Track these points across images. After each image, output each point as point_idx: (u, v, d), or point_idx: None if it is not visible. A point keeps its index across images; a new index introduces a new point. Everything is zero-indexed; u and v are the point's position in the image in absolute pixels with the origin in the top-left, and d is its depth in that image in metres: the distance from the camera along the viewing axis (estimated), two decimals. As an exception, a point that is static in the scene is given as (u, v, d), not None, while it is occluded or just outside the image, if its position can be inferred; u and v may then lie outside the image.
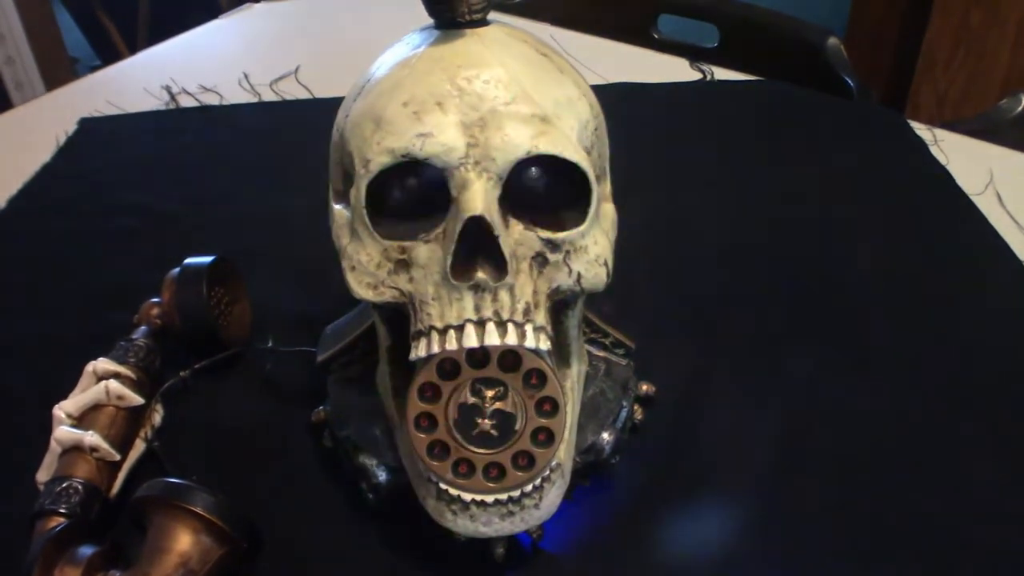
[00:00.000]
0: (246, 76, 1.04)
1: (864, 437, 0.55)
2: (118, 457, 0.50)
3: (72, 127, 0.94)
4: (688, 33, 1.24)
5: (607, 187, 0.46)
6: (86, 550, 0.41)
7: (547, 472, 0.43)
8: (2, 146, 0.93)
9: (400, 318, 0.43)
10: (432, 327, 0.40)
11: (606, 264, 0.42)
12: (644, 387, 0.55)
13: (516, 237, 0.40)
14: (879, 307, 0.65)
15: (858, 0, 2.29)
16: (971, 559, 0.48)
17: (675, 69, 1.05)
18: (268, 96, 1.01)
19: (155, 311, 0.59)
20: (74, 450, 0.48)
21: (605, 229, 0.43)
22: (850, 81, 1.09)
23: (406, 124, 0.40)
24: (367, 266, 0.41)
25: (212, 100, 1.00)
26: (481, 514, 0.42)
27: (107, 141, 0.92)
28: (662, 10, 1.29)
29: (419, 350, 0.40)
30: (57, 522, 0.44)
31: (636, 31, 1.25)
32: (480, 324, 0.39)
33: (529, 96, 0.40)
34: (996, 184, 0.77)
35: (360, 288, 0.42)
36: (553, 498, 0.44)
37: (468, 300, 0.39)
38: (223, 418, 0.57)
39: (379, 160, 0.40)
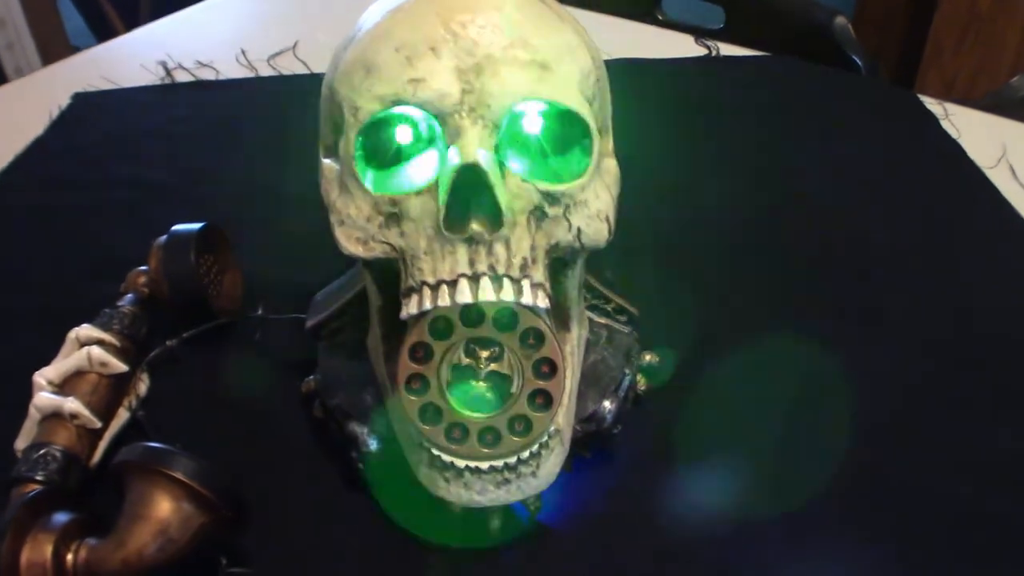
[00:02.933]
0: (243, 52, 1.02)
1: (874, 408, 0.53)
2: (99, 425, 0.48)
3: (66, 102, 0.92)
4: (693, 14, 1.22)
5: (610, 143, 0.44)
6: (61, 517, 0.39)
7: (545, 438, 0.41)
8: (-5, 121, 0.91)
9: (392, 277, 0.41)
10: (424, 282, 0.38)
11: (608, 220, 0.40)
12: (647, 357, 0.53)
13: (513, 189, 0.38)
14: (891, 277, 0.63)
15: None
16: (982, 528, 0.46)
17: (680, 46, 1.03)
18: (265, 72, 0.99)
19: (142, 279, 0.57)
20: (53, 417, 0.47)
21: (607, 184, 0.41)
22: (858, 60, 1.07)
23: (398, 70, 0.38)
24: (357, 220, 0.39)
25: (208, 76, 0.98)
26: (475, 482, 0.41)
27: (100, 115, 0.90)
28: (666, -9, 1.27)
29: (410, 307, 0.38)
30: (33, 489, 0.42)
31: (640, 13, 1.23)
32: (474, 279, 0.37)
33: (527, 42, 0.38)
34: (1009, 157, 0.75)
35: (349, 243, 0.40)
36: (552, 466, 0.42)
37: (462, 253, 0.37)
38: (211, 389, 0.55)
39: (369, 107, 0.38)
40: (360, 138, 0.38)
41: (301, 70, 0.98)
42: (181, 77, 0.98)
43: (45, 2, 2.29)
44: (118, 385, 0.51)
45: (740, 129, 0.85)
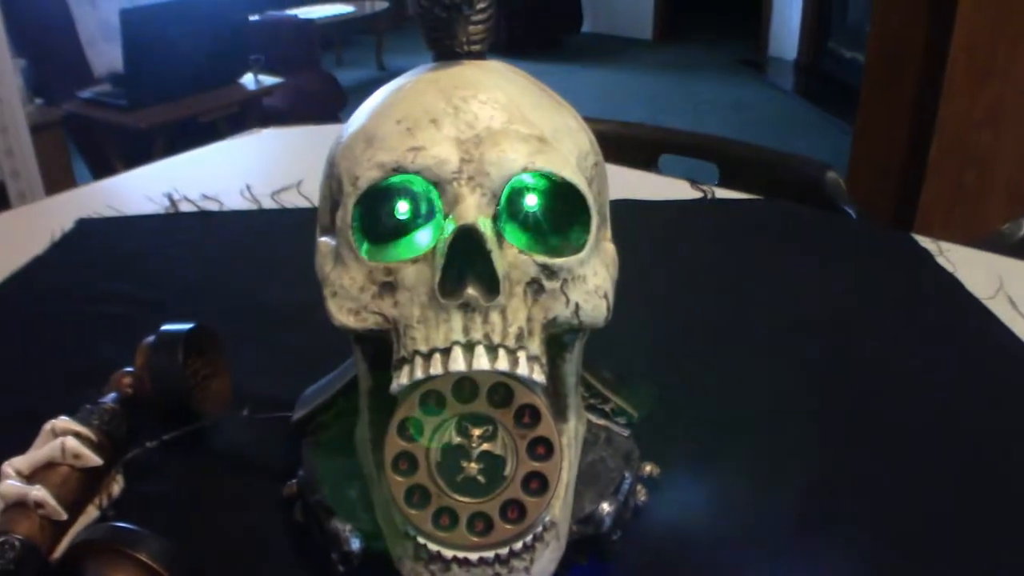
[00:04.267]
0: (248, 187, 1.04)
1: (879, 523, 0.50)
2: (64, 516, 0.45)
3: (70, 227, 0.93)
4: (689, 172, 1.26)
5: (608, 231, 0.44)
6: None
7: (540, 528, 0.38)
8: (-2, 244, 0.92)
9: (384, 355, 0.39)
10: (416, 351, 0.36)
11: (606, 296, 0.39)
12: (648, 468, 0.51)
13: (510, 259, 0.37)
14: (896, 407, 0.61)
15: (854, 168, 2.36)
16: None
17: (677, 190, 1.05)
18: (269, 206, 1.00)
19: (127, 380, 0.55)
20: (18, 506, 0.44)
21: (606, 263, 0.41)
22: (851, 212, 1.10)
23: (398, 140, 0.38)
24: (350, 290, 0.38)
25: (213, 208, 0.99)
26: (463, 575, 0.38)
27: (102, 238, 0.91)
28: (663, 150, 1.31)
29: (401, 378, 0.37)
30: (-15, 576, 0.39)
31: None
32: (468, 347, 0.36)
33: (527, 119, 0.39)
34: (1007, 289, 0.75)
35: (341, 314, 0.39)
36: (546, 562, 0.39)
37: (456, 321, 0.36)
38: (189, 493, 0.53)
39: (369, 175, 0.38)
40: (358, 208, 0.38)
41: (305, 205, 1.00)
42: (185, 209, 1.00)
43: (63, 170, 2.37)
44: (90, 481, 0.48)
45: (736, 267, 0.85)
